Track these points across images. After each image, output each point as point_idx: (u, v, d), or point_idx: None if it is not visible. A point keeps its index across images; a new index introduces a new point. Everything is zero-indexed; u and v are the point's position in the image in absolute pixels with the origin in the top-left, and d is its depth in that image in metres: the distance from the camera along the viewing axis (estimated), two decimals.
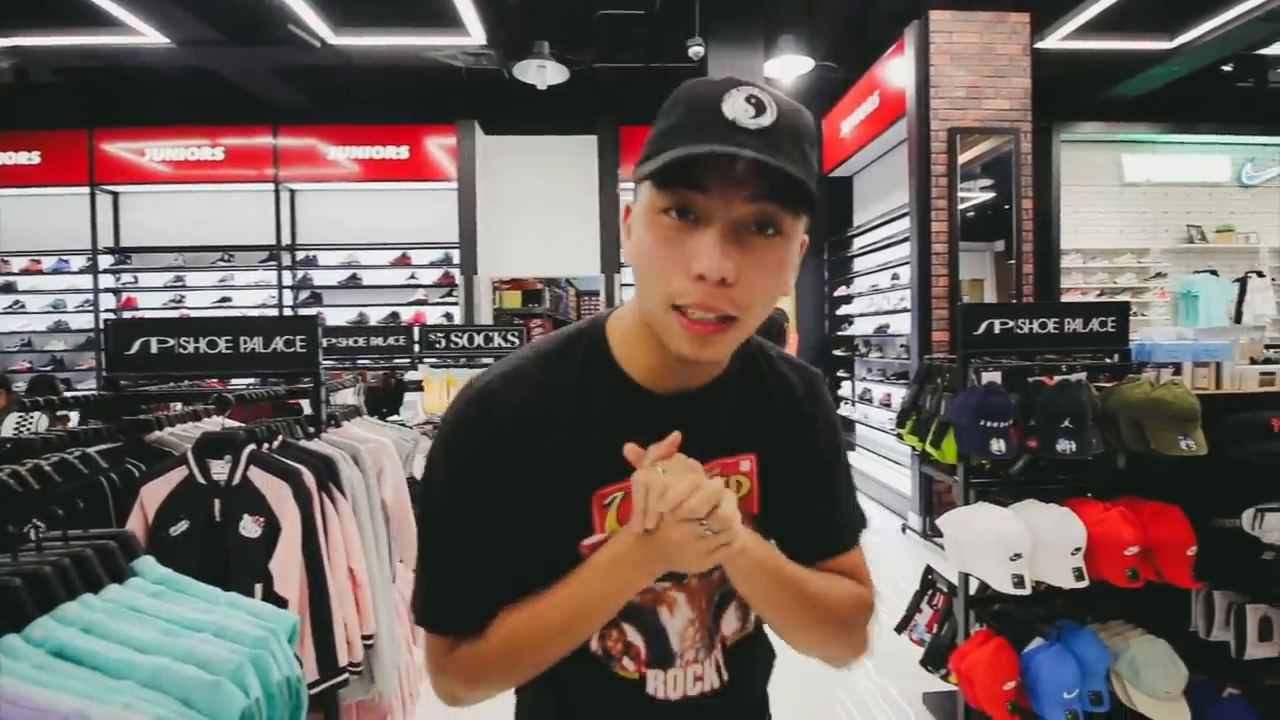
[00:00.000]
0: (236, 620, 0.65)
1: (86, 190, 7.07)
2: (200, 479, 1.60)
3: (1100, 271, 7.40)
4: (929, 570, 2.66)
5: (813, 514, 0.76)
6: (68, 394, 2.34)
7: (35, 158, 7.10)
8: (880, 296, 6.04)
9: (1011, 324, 2.30)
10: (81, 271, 7.16)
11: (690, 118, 0.60)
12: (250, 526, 1.60)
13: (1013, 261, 4.89)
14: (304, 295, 7.31)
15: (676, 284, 0.59)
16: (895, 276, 5.66)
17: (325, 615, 1.60)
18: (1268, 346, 2.69)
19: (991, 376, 2.18)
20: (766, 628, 0.76)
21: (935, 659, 2.44)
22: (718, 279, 0.57)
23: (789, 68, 5.93)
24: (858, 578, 0.77)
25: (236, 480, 1.61)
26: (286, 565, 1.56)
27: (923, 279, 4.79)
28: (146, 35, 5.42)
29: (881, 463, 6.09)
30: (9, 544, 0.63)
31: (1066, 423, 2.11)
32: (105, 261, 7.18)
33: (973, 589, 2.37)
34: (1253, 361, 2.49)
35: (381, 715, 2.00)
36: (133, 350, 1.97)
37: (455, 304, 7.21)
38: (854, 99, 6.14)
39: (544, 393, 0.66)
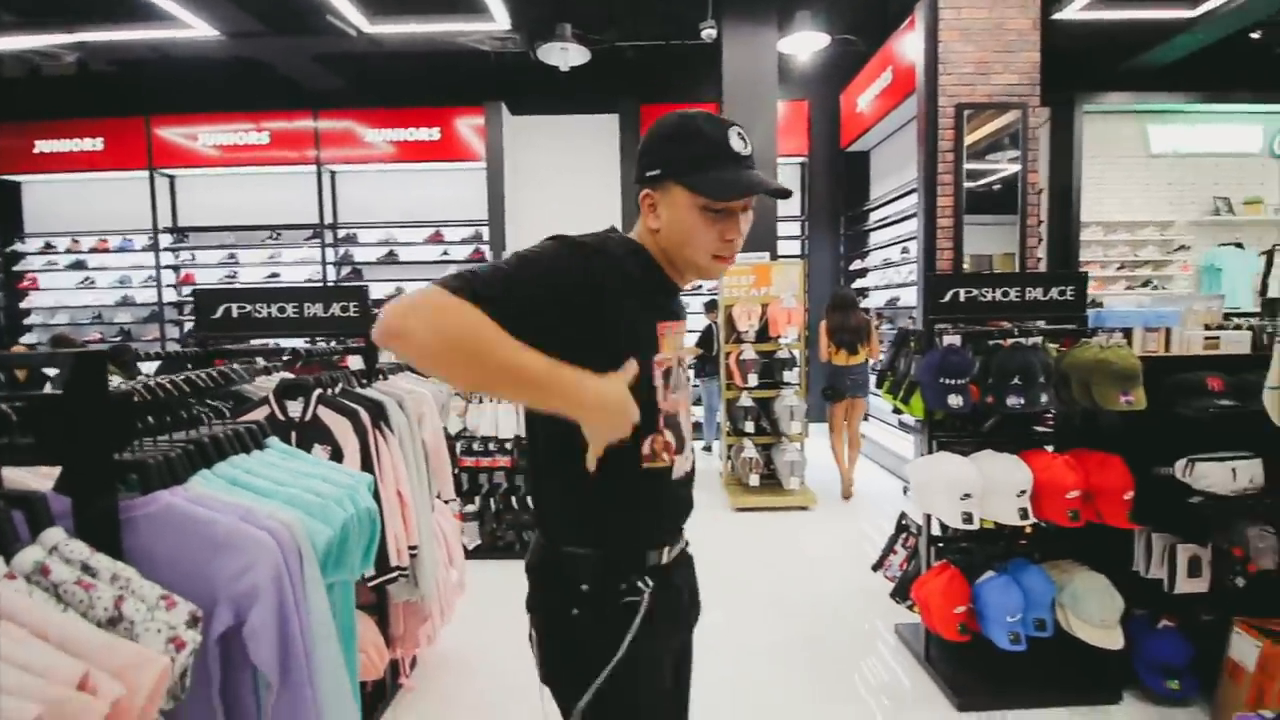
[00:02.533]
0: (337, 474, 1.01)
1: (146, 174, 7.61)
2: (280, 416, 1.99)
3: (1121, 244, 7.42)
4: (903, 516, 2.97)
5: None
6: (160, 350, 2.79)
7: (99, 144, 7.65)
8: (892, 270, 6.23)
9: (975, 292, 2.57)
10: (144, 250, 7.74)
11: (715, 150, 1.00)
12: (319, 453, 1.99)
13: (1038, 233, 5.02)
14: (345, 271, 7.77)
15: (715, 246, 1.03)
16: (905, 250, 5.84)
17: (380, 525, 1.99)
18: (1228, 315, 2.88)
19: (951, 339, 2.46)
20: None
21: (902, 591, 2.76)
22: (734, 236, 1.03)
23: (805, 44, 6.08)
24: None
25: (308, 417, 2.00)
26: None
27: (928, 253, 4.98)
28: (196, 28, 5.83)
29: (889, 430, 6.34)
30: (193, 423, 1.01)
31: (1016, 380, 2.38)
32: (165, 240, 7.74)
33: (935, 531, 2.67)
34: (1207, 328, 2.70)
35: (422, 618, 2.41)
36: (217, 314, 2.37)
37: None
38: (869, 74, 6.26)
39: (629, 258, 1.03)
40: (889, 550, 2.97)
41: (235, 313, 2.38)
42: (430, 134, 7.54)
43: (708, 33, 5.48)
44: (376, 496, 1.97)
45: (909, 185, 5.68)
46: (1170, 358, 2.55)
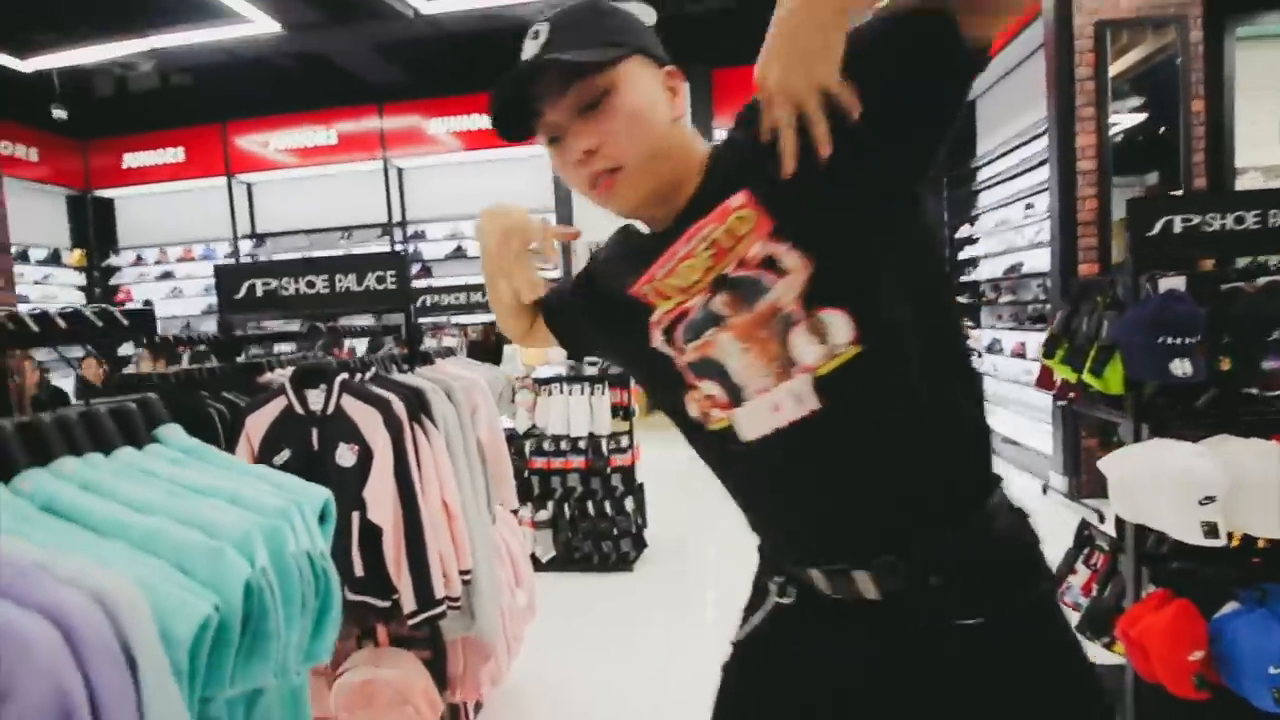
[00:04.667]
0: (258, 489, 0.55)
1: (224, 181, 7.72)
2: (299, 409, 1.60)
3: None
4: (1084, 524, 2.30)
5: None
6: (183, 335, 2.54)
7: (180, 154, 7.83)
8: (1013, 232, 5.40)
9: (1197, 220, 1.88)
10: (227, 257, 7.85)
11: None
12: (346, 454, 1.58)
13: (1179, 192, 4.16)
14: (416, 268, 7.62)
15: (576, 178, 0.77)
16: (1029, 206, 5.02)
17: (419, 545, 1.56)
18: None
19: (1173, 283, 1.80)
20: (910, 364, 0.69)
21: (1096, 625, 2.10)
22: (581, 157, 0.74)
23: None
24: None
25: (331, 409, 1.60)
26: (379, 491, 1.53)
27: (1065, 204, 4.18)
28: (257, 22, 5.74)
29: (1017, 420, 5.50)
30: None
31: (1277, 335, 1.70)
32: (246, 246, 7.83)
33: (1147, 543, 2.00)
34: None
35: (485, 655, 1.97)
36: (240, 293, 2.02)
37: (556, 270, 7.25)
38: None
39: (618, 238, 0.92)
40: (1067, 569, 2.31)
41: (260, 290, 2.02)
42: None
43: None
44: (412, 511, 1.55)
45: (1031, 130, 4.86)
46: None
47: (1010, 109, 5.53)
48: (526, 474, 3.38)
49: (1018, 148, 5.20)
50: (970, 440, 0.74)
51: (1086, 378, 2.09)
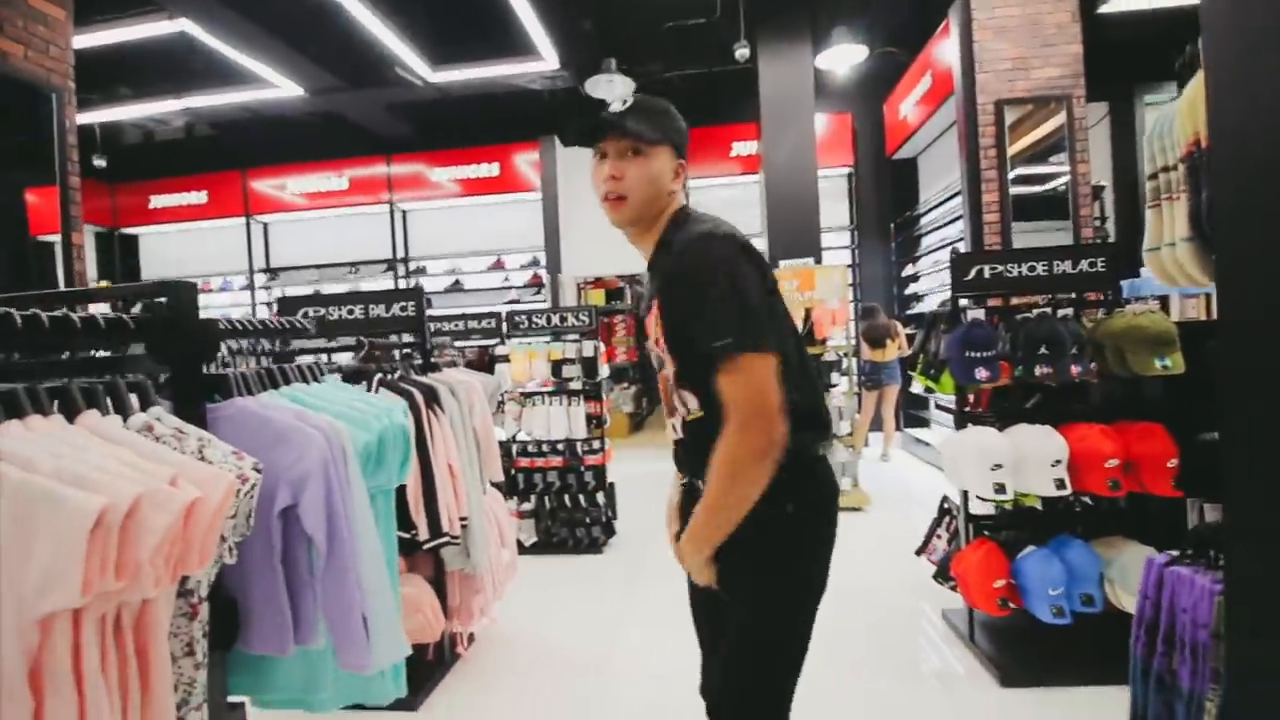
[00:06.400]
0: (378, 400, 1.21)
1: (243, 221, 8.45)
2: None
3: None
4: (944, 499, 2.96)
5: (687, 338, 1.14)
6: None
7: (203, 197, 8.57)
8: (944, 273, 6.15)
9: (1000, 268, 2.60)
10: (242, 289, 8.54)
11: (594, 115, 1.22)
12: None
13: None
14: None
15: (598, 184, 1.23)
16: (954, 252, 5.78)
17: (432, 494, 2.20)
18: None
19: (975, 313, 2.49)
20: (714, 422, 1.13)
21: (943, 571, 2.74)
22: (610, 178, 1.21)
23: (844, 57, 6.20)
24: (729, 401, 1.08)
25: None
26: None
27: (976, 250, 4.93)
28: (282, 87, 6.53)
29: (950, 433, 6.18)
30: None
31: (1043, 349, 2.39)
32: (260, 279, 8.52)
33: (975, 510, 2.66)
34: None
35: (475, 590, 2.60)
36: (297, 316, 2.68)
37: (544, 302, 7.97)
38: (909, 81, 6.31)
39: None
40: (931, 534, 2.96)
41: (311, 314, 2.69)
42: (490, 169, 8.06)
43: (741, 53, 5.70)
44: (427, 467, 2.19)
45: (955, 188, 5.66)
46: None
47: (940, 167, 6.36)
48: (514, 472, 4.02)
49: (945, 201, 5.99)
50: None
51: (931, 384, 2.77)
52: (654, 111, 1.22)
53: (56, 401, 0.81)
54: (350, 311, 2.66)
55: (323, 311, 2.66)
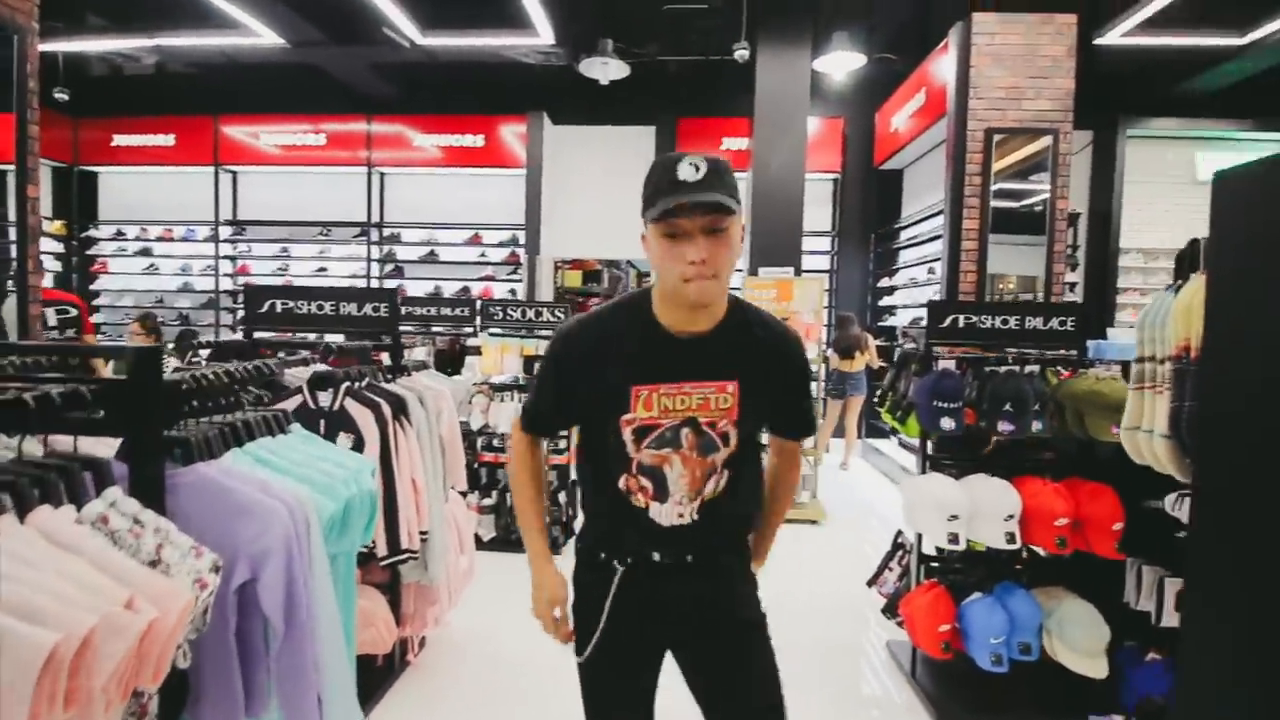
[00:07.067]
0: (345, 458, 1.18)
1: (211, 169, 8.10)
2: (312, 405, 2.20)
3: (1162, 272, 7.26)
4: (899, 534, 3.04)
5: (782, 415, 1.32)
6: (207, 339, 3.07)
7: (170, 140, 8.18)
8: (918, 290, 6.24)
9: (974, 319, 2.64)
10: (205, 240, 8.23)
11: (663, 181, 1.09)
12: (344, 441, 2.18)
13: (1076, 258, 4.99)
14: (389, 268, 8.13)
15: (681, 268, 1.09)
16: (931, 270, 5.86)
17: (394, 509, 2.17)
18: None
19: (946, 364, 2.54)
20: (737, 495, 1.23)
21: (891, 608, 2.83)
22: (697, 262, 1.08)
23: (841, 63, 6.15)
24: (794, 458, 1.42)
25: (336, 407, 2.20)
26: None
27: (951, 275, 5.01)
28: (264, 36, 6.22)
29: (907, 452, 6.35)
30: (231, 408, 1.20)
31: (1008, 406, 2.45)
32: (225, 232, 8.22)
33: (928, 550, 2.74)
34: None
35: (431, 600, 2.59)
36: (263, 309, 2.61)
37: (520, 281, 7.86)
38: (904, 94, 6.30)
39: (605, 330, 1.21)
40: (884, 567, 3.04)
41: (279, 308, 2.61)
42: (475, 140, 7.84)
43: (740, 53, 5.61)
44: (390, 483, 2.16)
45: (938, 206, 5.71)
46: None
47: (926, 183, 6.40)
48: (476, 465, 4.00)
49: (927, 218, 6.05)
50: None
51: (897, 425, 2.82)
52: (728, 173, 1.09)
53: (7, 495, 0.77)
54: (320, 307, 2.58)
55: (290, 305, 2.58)
